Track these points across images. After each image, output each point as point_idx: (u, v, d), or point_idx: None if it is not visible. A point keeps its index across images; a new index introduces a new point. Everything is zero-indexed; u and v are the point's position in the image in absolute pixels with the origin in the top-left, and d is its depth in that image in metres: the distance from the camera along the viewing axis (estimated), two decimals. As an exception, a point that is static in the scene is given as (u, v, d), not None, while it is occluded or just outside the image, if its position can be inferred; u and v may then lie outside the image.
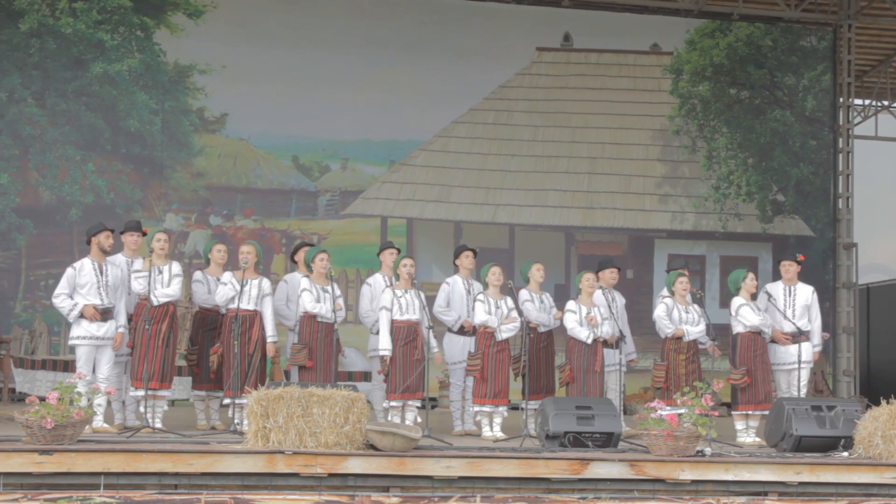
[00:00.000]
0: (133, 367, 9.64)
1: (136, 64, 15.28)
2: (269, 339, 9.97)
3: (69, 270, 9.49)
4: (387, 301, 9.96)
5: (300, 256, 10.62)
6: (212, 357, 9.91)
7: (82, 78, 15.06)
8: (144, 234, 9.94)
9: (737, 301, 10.53)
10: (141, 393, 9.50)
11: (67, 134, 14.98)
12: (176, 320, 9.85)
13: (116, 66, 15.16)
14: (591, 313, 10.14)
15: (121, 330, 9.56)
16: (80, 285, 9.42)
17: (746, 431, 10.41)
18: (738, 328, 10.47)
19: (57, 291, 9.48)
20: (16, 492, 7.66)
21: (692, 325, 10.37)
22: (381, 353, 9.92)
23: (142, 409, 9.58)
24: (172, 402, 11.87)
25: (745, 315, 10.39)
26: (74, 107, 15.04)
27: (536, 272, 10.64)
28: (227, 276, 9.98)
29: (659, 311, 10.42)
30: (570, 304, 10.24)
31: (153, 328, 9.57)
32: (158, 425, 9.55)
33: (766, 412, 10.14)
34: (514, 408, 10.43)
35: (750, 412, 10.38)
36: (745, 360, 10.35)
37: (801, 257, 10.90)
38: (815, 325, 10.65)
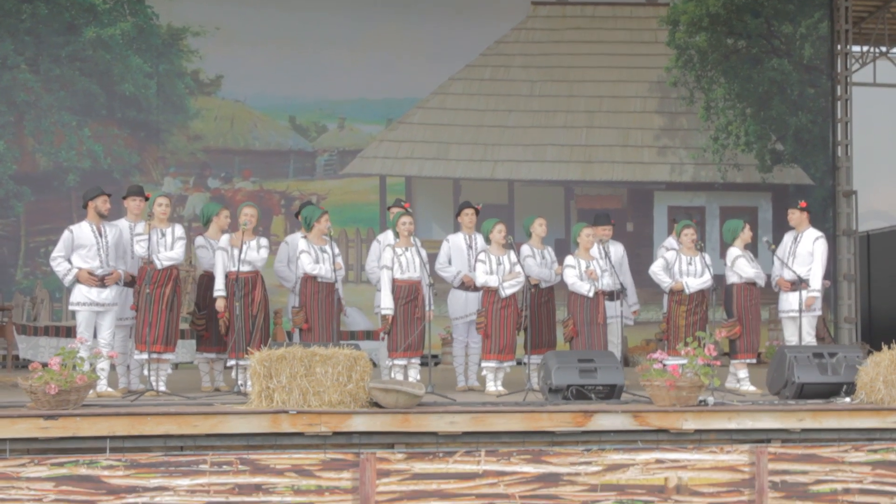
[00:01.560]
0: (137, 330, 9.65)
1: (129, 27, 15.19)
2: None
3: (66, 233, 9.47)
4: (387, 260, 9.97)
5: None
6: (220, 323, 9.88)
7: (75, 43, 14.98)
8: (147, 199, 9.92)
9: (733, 252, 10.54)
10: (145, 356, 9.52)
11: (62, 99, 14.92)
12: (179, 283, 9.85)
13: (109, 30, 15.07)
14: (591, 267, 10.14)
15: (120, 270, 9.55)
16: (79, 247, 9.39)
17: (741, 380, 10.46)
18: (732, 279, 10.50)
19: (54, 254, 9.48)
20: (22, 457, 7.70)
21: (695, 277, 10.38)
22: (384, 311, 9.94)
23: (145, 372, 9.60)
24: (176, 366, 11.91)
25: (740, 267, 10.43)
26: (68, 72, 14.97)
27: (539, 227, 10.63)
28: (224, 240, 9.93)
29: (653, 267, 10.46)
30: (569, 260, 10.24)
31: (157, 292, 9.57)
32: (162, 388, 9.58)
33: (752, 361, 10.43)
34: (517, 362, 10.45)
35: (741, 360, 10.46)
36: (739, 310, 10.41)
37: (802, 203, 10.87)
38: (813, 270, 10.58)
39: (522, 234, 10.87)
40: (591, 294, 10.04)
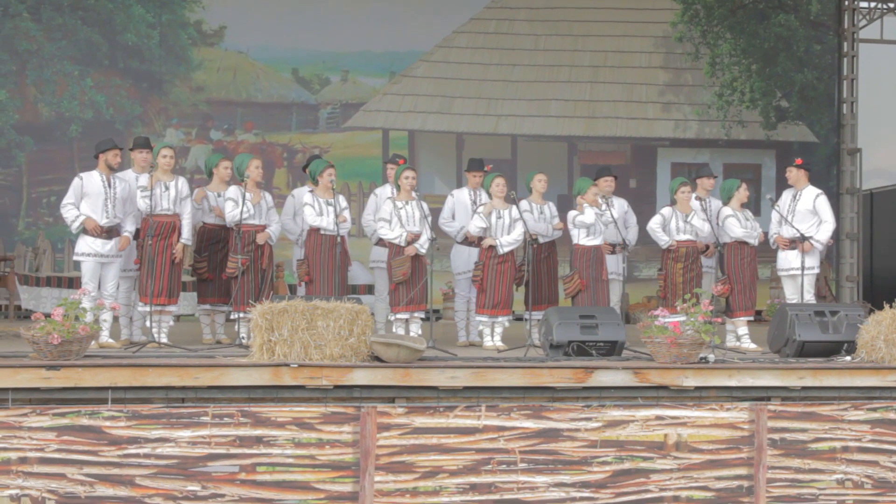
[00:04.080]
0: (141, 282, 9.66)
1: (131, -24, 15.08)
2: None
3: (76, 180, 9.43)
4: (386, 213, 9.95)
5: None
6: (231, 265, 9.79)
7: (77, -10, 14.88)
8: (151, 149, 9.90)
9: (724, 211, 10.56)
10: (148, 308, 9.54)
11: (64, 49, 14.84)
12: (180, 235, 9.81)
13: (111, -23, 14.97)
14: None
15: (126, 234, 9.55)
16: (86, 194, 9.37)
17: (741, 338, 10.50)
18: (724, 238, 10.51)
19: (64, 201, 9.44)
20: (24, 407, 7.73)
21: (691, 235, 10.39)
22: (399, 239, 9.85)
23: (148, 324, 9.62)
24: (178, 318, 11.92)
25: (729, 226, 10.44)
26: (70, 21, 14.87)
27: (538, 182, 10.60)
28: (233, 190, 9.89)
29: (651, 224, 10.45)
30: (572, 213, 10.22)
31: (160, 244, 9.56)
32: (164, 340, 9.60)
33: (750, 318, 10.49)
34: (518, 318, 10.47)
35: (738, 318, 10.49)
36: (730, 268, 10.43)
37: (797, 161, 10.85)
38: (823, 226, 10.55)
39: (525, 189, 10.85)
40: (595, 221, 10.03)
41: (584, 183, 10.40)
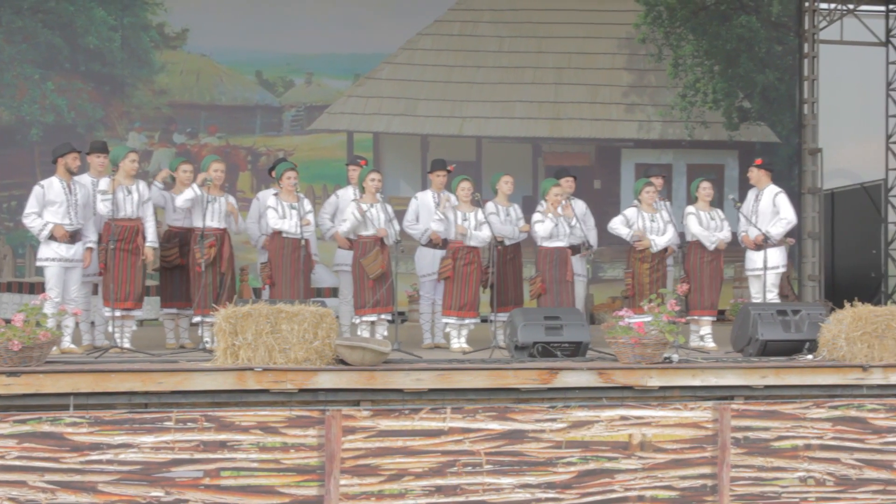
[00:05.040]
0: (106, 287, 9.59)
1: (92, -22, 14.96)
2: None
3: (37, 189, 9.34)
4: (348, 215, 9.93)
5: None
6: (207, 251, 9.74)
7: (38, -6, 14.75)
8: (107, 154, 9.83)
9: (687, 210, 10.68)
10: (113, 313, 9.48)
11: (24, 52, 14.70)
12: (144, 239, 9.76)
13: (72, -20, 14.85)
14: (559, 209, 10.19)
15: (89, 245, 9.49)
16: (49, 202, 9.29)
17: (703, 337, 10.56)
18: (687, 236, 10.62)
19: (27, 211, 9.35)
20: (-15, 414, 7.66)
21: (658, 235, 10.44)
22: (343, 229, 9.91)
23: (111, 328, 9.55)
24: (141, 322, 11.85)
25: (688, 225, 10.54)
26: (31, 24, 14.73)
27: (505, 185, 10.62)
28: (193, 188, 9.84)
29: (611, 223, 10.51)
30: (537, 216, 10.26)
31: (124, 248, 9.50)
32: (127, 345, 9.54)
33: (713, 318, 10.57)
34: (484, 320, 10.48)
35: (695, 318, 10.55)
36: (690, 267, 10.51)
37: (757, 161, 10.97)
38: (779, 220, 10.62)
39: (490, 191, 10.86)
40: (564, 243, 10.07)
41: (547, 183, 10.45)
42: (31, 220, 9.32)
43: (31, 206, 9.32)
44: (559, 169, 11.34)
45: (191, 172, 10.19)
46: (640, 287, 10.35)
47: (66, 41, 14.88)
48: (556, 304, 9.98)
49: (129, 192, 9.62)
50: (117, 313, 9.47)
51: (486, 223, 10.16)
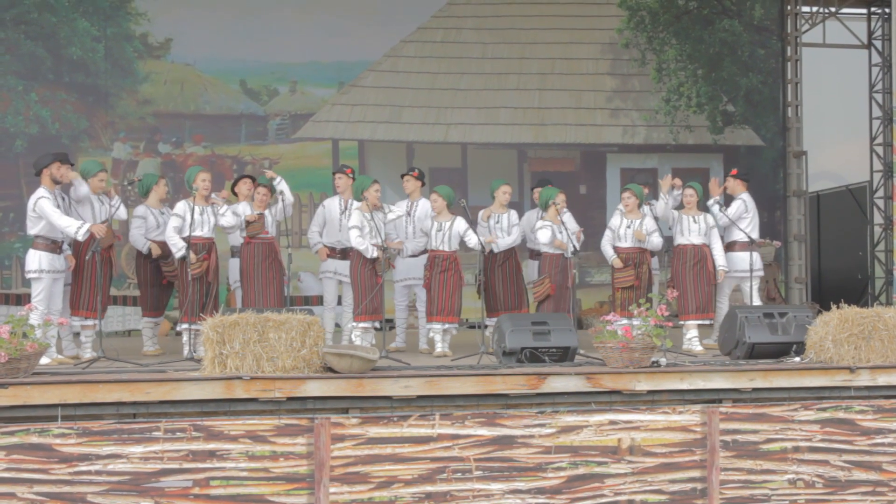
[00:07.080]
0: (77, 296, 9.71)
1: (75, -11, 14.92)
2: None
3: (44, 201, 9.24)
4: (356, 221, 9.98)
5: (239, 188, 10.53)
6: (200, 264, 9.75)
7: (20, 5, 14.66)
8: (72, 165, 9.84)
9: (538, 224, 10.79)
10: (86, 322, 9.67)
11: (7, 63, 14.65)
12: (114, 250, 9.89)
13: (54, -9, 14.81)
14: (558, 238, 10.28)
15: (67, 253, 9.55)
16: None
17: (690, 340, 10.61)
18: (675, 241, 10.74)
19: (55, 220, 9.23)
20: (-28, 427, 7.63)
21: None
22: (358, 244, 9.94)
23: (83, 338, 9.70)
24: (129, 333, 11.85)
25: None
26: (13, 35, 14.69)
27: (503, 194, 10.86)
28: (181, 206, 9.88)
29: (602, 241, 10.62)
30: (540, 223, 10.39)
31: (93, 258, 9.47)
32: (88, 355, 9.64)
33: (703, 322, 10.64)
34: (472, 326, 10.51)
35: (686, 322, 10.60)
36: (673, 272, 10.60)
37: (733, 171, 11.17)
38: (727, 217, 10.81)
39: (478, 197, 10.92)
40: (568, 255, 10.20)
41: (551, 192, 10.53)
42: (66, 222, 9.22)
43: (55, 213, 9.22)
44: (540, 178, 11.45)
45: (209, 182, 10.16)
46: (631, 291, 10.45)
47: (50, 52, 14.83)
48: (556, 309, 10.08)
49: (102, 203, 9.86)
50: (82, 322, 9.69)
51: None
